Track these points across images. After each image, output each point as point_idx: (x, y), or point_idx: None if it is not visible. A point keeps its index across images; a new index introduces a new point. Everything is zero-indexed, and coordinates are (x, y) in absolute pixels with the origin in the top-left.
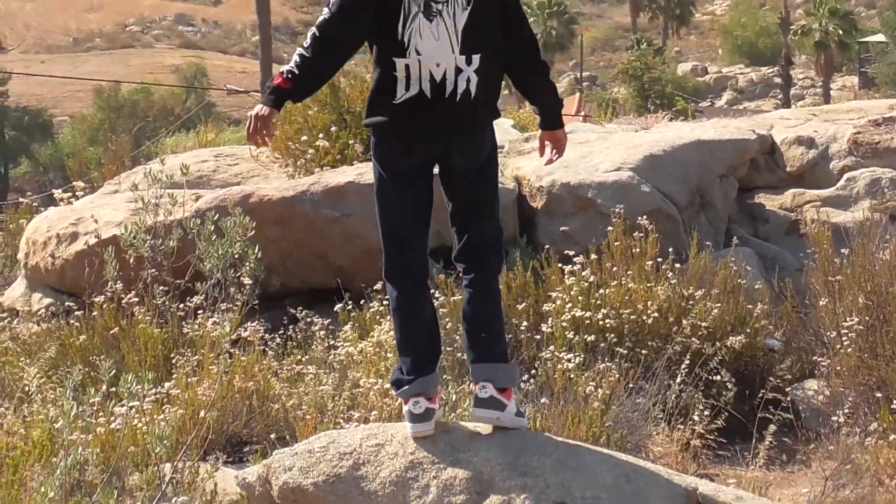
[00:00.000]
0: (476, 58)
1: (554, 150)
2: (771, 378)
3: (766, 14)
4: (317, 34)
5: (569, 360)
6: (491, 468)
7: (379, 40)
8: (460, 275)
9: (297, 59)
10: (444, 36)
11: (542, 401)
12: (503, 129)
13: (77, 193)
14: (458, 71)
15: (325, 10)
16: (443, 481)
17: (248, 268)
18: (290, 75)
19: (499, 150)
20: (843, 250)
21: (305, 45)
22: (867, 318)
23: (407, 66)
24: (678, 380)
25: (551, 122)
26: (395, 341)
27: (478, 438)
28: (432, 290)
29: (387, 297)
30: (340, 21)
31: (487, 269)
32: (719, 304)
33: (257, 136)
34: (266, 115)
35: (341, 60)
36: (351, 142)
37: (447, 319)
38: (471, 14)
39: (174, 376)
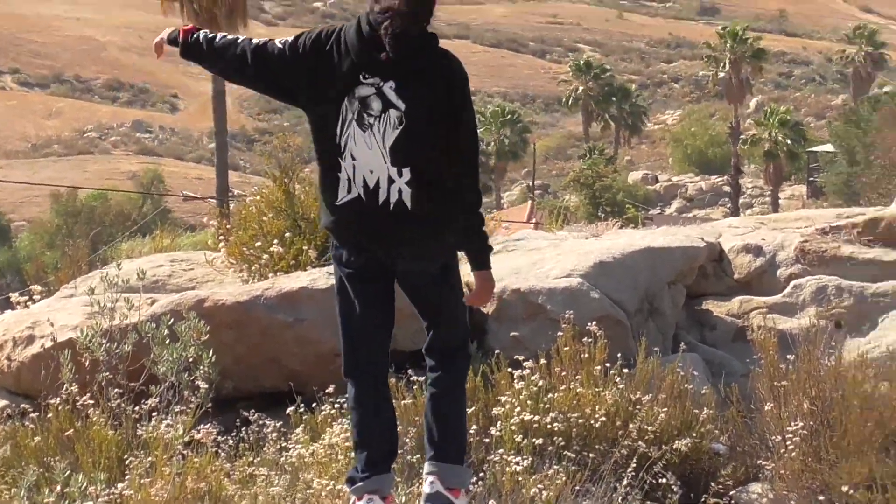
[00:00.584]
0: (406, 171)
1: (476, 294)
2: (716, 482)
3: (716, 124)
4: (254, 46)
5: (517, 463)
6: None
7: (320, 137)
8: (426, 370)
9: (220, 38)
10: (376, 147)
11: (490, 503)
12: None
13: (34, 297)
14: (391, 181)
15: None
16: None
17: (202, 371)
18: (202, 36)
19: None
20: (788, 356)
21: (230, 36)
22: (811, 423)
23: (345, 169)
24: (624, 483)
25: (471, 263)
26: (351, 439)
27: None
28: None
29: (339, 399)
30: (270, 57)
31: (450, 371)
32: (666, 409)
33: (158, 48)
34: (163, 41)
35: (228, 72)
36: (305, 247)
37: (398, 423)
38: (402, 133)
39: (127, 477)
